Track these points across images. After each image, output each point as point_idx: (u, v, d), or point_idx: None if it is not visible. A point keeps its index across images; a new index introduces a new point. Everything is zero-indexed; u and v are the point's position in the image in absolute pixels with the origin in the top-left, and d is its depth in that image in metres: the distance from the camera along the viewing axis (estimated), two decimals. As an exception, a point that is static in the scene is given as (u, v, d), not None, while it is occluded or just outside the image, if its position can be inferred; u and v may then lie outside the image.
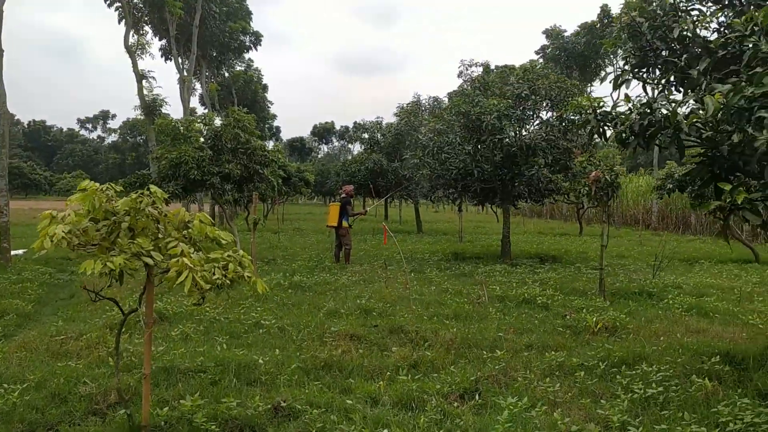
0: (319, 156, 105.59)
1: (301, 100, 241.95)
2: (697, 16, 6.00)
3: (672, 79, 6.04)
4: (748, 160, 4.85)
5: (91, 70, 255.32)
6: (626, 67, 6.43)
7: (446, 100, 25.56)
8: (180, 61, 35.81)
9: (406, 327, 7.66)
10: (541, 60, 40.69)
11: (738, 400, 4.96)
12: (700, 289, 11.03)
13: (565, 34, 44.02)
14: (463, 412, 4.96)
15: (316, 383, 5.62)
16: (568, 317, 8.43)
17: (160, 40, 37.70)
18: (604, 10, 39.89)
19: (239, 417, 4.75)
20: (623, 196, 33.44)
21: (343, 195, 15.27)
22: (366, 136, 29.70)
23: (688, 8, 6.08)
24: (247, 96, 53.61)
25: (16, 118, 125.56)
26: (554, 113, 14.75)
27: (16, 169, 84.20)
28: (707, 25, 5.85)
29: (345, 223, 14.70)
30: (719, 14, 5.95)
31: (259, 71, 56.84)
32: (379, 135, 28.58)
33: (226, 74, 49.70)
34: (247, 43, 44.90)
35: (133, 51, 30.60)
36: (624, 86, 6.35)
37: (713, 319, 8.56)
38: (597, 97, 5.87)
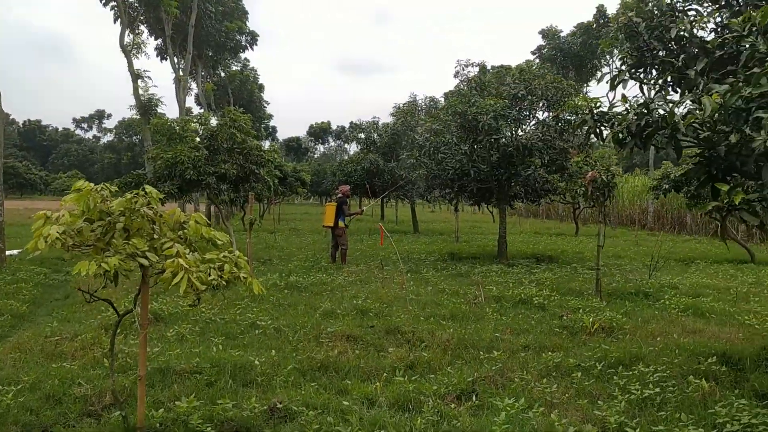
0: (316, 156, 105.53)
1: (298, 100, 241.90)
2: (695, 16, 5.99)
3: (669, 79, 6.02)
4: (746, 161, 4.84)
5: (86, 70, 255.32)
6: (623, 68, 6.42)
7: (443, 100, 25.56)
8: (176, 60, 35.75)
9: (402, 327, 7.64)
10: (537, 60, 40.76)
11: (735, 400, 4.96)
12: (697, 289, 11.04)
13: (562, 34, 44.09)
14: (460, 413, 4.94)
15: (312, 384, 5.60)
16: (564, 318, 8.42)
17: (155, 39, 37.64)
18: (600, 11, 40.00)
19: (235, 418, 4.73)
20: (619, 196, 33.45)
21: (340, 195, 15.25)
22: (362, 136, 29.63)
23: (685, 8, 6.07)
24: (243, 96, 53.61)
25: (11, 117, 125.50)
26: (550, 113, 14.77)
27: (11, 169, 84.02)
28: (704, 25, 5.84)
29: (341, 223, 14.68)
30: (716, 14, 5.94)
31: (255, 71, 56.93)
32: (375, 135, 28.53)
33: (222, 74, 49.70)
34: (243, 43, 44.90)
35: (129, 50, 30.54)
36: (621, 86, 6.33)
37: (709, 320, 8.56)
38: (594, 98, 5.86)
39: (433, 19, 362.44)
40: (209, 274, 4.08)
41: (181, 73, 34.58)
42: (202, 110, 38.18)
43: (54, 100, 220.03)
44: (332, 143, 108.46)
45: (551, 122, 14.58)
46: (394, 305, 9.14)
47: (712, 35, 5.94)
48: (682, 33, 5.79)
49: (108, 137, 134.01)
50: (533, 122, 15.21)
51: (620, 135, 5.45)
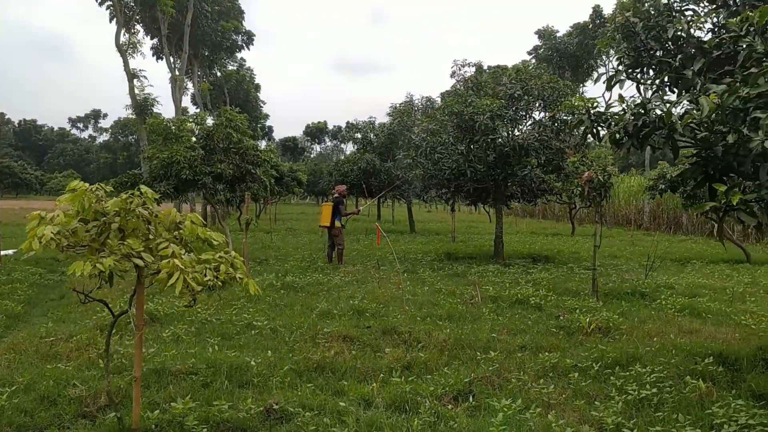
0: (312, 156, 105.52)
1: (294, 100, 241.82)
2: (692, 16, 5.99)
3: (666, 79, 6.02)
4: (743, 161, 4.84)
5: (82, 70, 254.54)
6: (620, 68, 6.42)
7: (439, 100, 25.56)
8: (172, 60, 35.66)
9: (399, 328, 7.62)
10: (533, 60, 40.80)
11: (732, 401, 4.96)
12: (693, 289, 11.05)
13: (558, 34, 44.14)
14: (457, 414, 4.93)
15: (308, 385, 5.58)
16: (561, 318, 8.42)
17: (151, 39, 37.57)
18: (596, 11, 40.05)
19: (231, 420, 4.71)
20: (615, 197, 33.53)
21: (336, 195, 15.22)
22: (359, 135, 29.65)
23: (683, 8, 6.06)
24: (239, 95, 53.53)
25: (6, 117, 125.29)
26: (547, 113, 14.77)
27: (6, 169, 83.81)
28: (701, 25, 5.84)
29: (338, 223, 14.66)
30: (714, 14, 5.94)
31: (252, 71, 56.85)
32: (371, 135, 28.54)
33: (218, 73, 49.60)
34: (239, 43, 44.81)
35: (125, 50, 30.45)
36: (617, 87, 6.34)
37: (706, 320, 8.57)
38: (591, 98, 5.85)
39: (429, 18, 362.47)
40: (205, 275, 4.05)
41: (177, 73, 34.50)
42: (198, 110, 38.14)
43: (50, 100, 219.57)
44: (329, 143, 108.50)
45: (548, 122, 14.58)
46: (390, 305, 9.13)
47: (710, 35, 5.94)
48: (679, 33, 5.78)
49: (104, 137, 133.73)
50: (530, 122, 15.21)
51: (617, 135, 5.44)
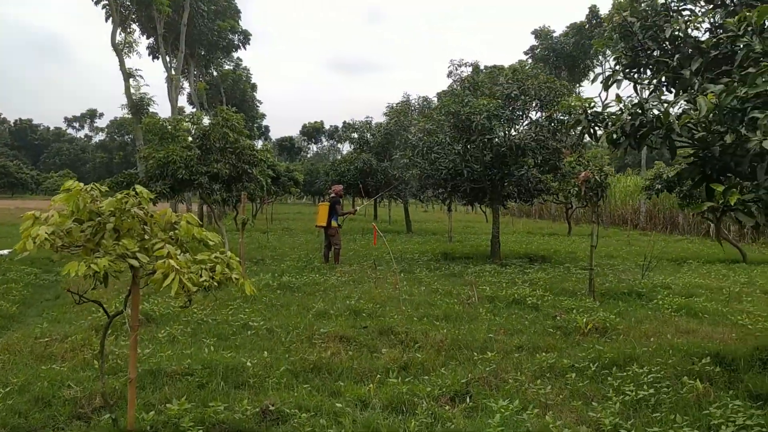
0: (309, 155, 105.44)
1: (291, 99, 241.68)
2: (689, 16, 5.98)
3: (663, 79, 6.02)
4: (740, 161, 4.83)
5: (78, 69, 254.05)
6: (617, 67, 6.41)
7: (436, 100, 25.55)
8: (168, 59, 35.60)
9: (396, 328, 7.60)
10: (530, 60, 40.82)
11: (730, 401, 4.95)
12: (689, 289, 11.05)
13: (554, 34, 44.20)
14: (454, 415, 4.91)
15: (305, 386, 5.55)
16: (558, 318, 8.41)
17: (147, 38, 37.46)
18: (593, 11, 40.10)
19: (227, 421, 4.68)
20: (611, 196, 33.55)
21: (333, 194, 15.21)
22: (355, 135, 29.63)
23: (680, 8, 6.06)
24: (235, 95, 53.44)
25: (2, 116, 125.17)
26: (543, 113, 14.77)
27: (2, 168, 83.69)
28: (699, 25, 5.84)
29: (334, 223, 14.63)
30: (711, 14, 5.93)
31: (248, 70, 56.79)
32: (368, 135, 28.53)
33: (215, 73, 49.49)
34: (235, 42, 44.74)
35: (120, 49, 30.32)
36: (614, 86, 6.33)
37: (702, 320, 8.57)
38: (588, 98, 5.84)
39: (426, 17, 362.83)
40: (201, 275, 4.03)
41: (173, 72, 34.43)
42: (194, 109, 38.08)
43: (46, 99, 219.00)
44: (325, 143, 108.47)
45: (544, 122, 14.59)
46: (387, 305, 9.11)
47: (707, 35, 5.93)
48: (676, 33, 5.78)
49: (100, 136, 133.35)
50: (526, 122, 15.22)
51: (614, 135, 5.43)
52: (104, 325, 5.11)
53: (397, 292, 9.82)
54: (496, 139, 14.35)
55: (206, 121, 16.29)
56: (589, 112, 5.71)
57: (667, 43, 5.93)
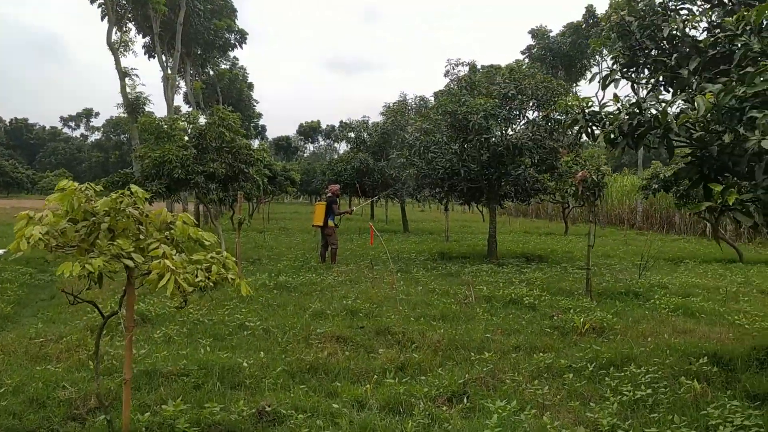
0: (305, 155, 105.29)
1: (287, 98, 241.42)
2: (687, 15, 5.97)
3: (661, 78, 6.00)
4: (738, 161, 4.82)
5: (73, 68, 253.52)
6: (615, 67, 6.39)
7: (433, 99, 25.54)
8: (164, 58, 35.52)
9: (392, 328, 7.58)
10: (527, 60, 40.86)
11: (727, 402, 4.94)
12: (686, 288, 11.05)
13: (551, 34, 44.25)
14: (451, 416, 4.89)
15: (301, 387, 5.53)
16: (555, 318, 8.40)
17: (143, 37, 37.43)
18: (590, 11, 40.16)
19: (223, 422, 4.65)
20: (608, 196, 33.61)
21: (329, 194, 15.17)
22: (352, 135, 29.57)
23: (678, 7, 6.04)
24: (232, 94, 53.42)
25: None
26: (540, 113, 14.76)
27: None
28: (697, 24, 5.82)
29: (331, 223, 14.60)
30: (709, 13, 5.92)
31: (244, 69, 56.82)
32: (365, 134, 28.49)
33: (211, 72, 49.47)
34: (231, 41, 44.70)
35: (116, 48, 30.27)
36: (612, 86, 6.31)
37: (700, 320, 8.57)
38: (585, 97, 5.82)
39: (423, 16, 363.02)
40: (196, 276, 3.99)
41: (169, 72, 34.36)
42: (190, 109, 37.98)
43: (41, 99, 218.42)
44: (322, 142, 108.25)
45: (541, 122, 14.58)
46: (384, 305, 9.08)
47: (705, 34, 5.92)
48: (674, 32, 5.77)
49: (96, 136, 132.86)
50: (523, 122, 15.21)
51: (612, 135, 5.42)
52: (99, 326, 5.07)
53: (394, 292, 9.80)
54: (493, 139, 14.33)
55: (202, 120, 16.24)
56: (586, 111, 5.69)
57: (665, 42, 5.91)
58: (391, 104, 27.40)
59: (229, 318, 8.11)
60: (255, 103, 62.31)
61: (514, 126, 15.11)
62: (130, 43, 33.06)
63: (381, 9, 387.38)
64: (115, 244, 3.91)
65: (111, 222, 3.97)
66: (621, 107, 5.38)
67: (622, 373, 5.81)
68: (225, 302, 9.05)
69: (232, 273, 4.20)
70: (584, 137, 6.03)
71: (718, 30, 5.60)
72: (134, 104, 29.30)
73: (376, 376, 5.82)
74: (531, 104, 14.91)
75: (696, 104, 4.52)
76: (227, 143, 15.11)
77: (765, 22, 4.93)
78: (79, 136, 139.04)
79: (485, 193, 15.78)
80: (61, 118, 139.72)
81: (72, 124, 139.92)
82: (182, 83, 42.90)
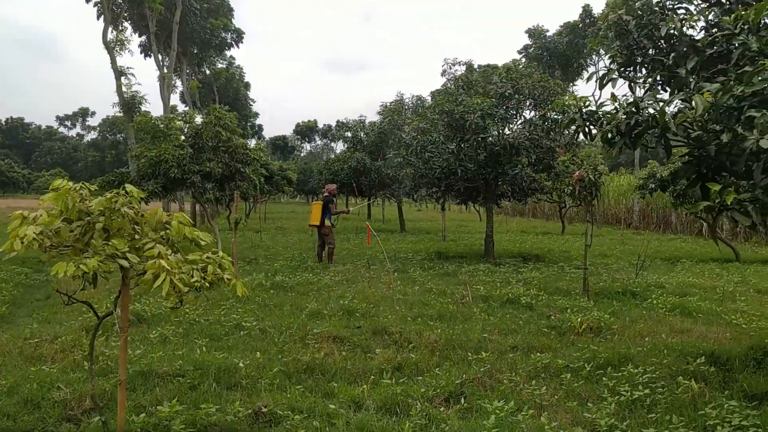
0: (302, 155, 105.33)
1: (286, 98, 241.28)
2: (684, 14, 5.96)
3: (659, 78, 5.99)
4: (736, 160, 4.80)
5: (69, 67, 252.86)
6: (612, 66, 6.37)
7: (430, 98, 25.52)
8: (160, 57, 35.44)
9: (389, 328, 7.55)
10: (523, 59, 40.89)
11: (725, 402, 4.93)
12: (683, 288, 11.05)
13: (548, 33, 44.28)
14: (448, 416, 4.87)
15: (298, 387, 5.50)
16: (552, 317, 8.38)
17: (139, 36, 37.36)
18: (586, 10, 40.20)
19: (219, 423, 4.63)
20: (605, 195, 33.65)
21: (326, 194, 15.14)
22: (349, 134, 29.55)
23: (675, 6, 6.03)
24: (228, 94, 53.35)
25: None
26: (537, 112, 14.76)
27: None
28: (694, 23, 5.81)
29: (328, 222, 14.58)
30: (707, 12, 5.91)
31: (241, 69, 56.73)
32: (362, 134, 28.46)
33: (207, 71, 49.39)
34: (228, 41, 44.62)
35: (112, 47, 30.13)
36: (610, 85, 6.29)
37: (697, 319, 8.56)
38: (583, 96, 5.80)
39: (422, 16, 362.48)
40: (192, 276, 3.97)
41: (165, 71, 34.26)
42: (186, 108, 37.90)
43: (37, 98, 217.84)
44: (319, 142, 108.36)
45: (538, 121, 14.58)
46: (381, 305, 9.06)
47: (703, 33, 5.91)
48: (672, 31, 5.75)
49: (92, 135, 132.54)
50: (520, 121, 15.20)
51: (609, 134, 5.40)
52: (94, 326, 5.04)
53: (391, 291, 9.78)
54: (490, 138, 14.32)
55: (199, 119, 16.22)
56: (583, 111, 5.67)
57: (663, 41, 5.90)
58: (388, 104, 27.38)
59: (226, 318, 8.08)
60: (252, 103, 62.28)
61: (511, 125, 15.11)
62: (126, 42, 32.88)
63: (381, 9, 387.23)
64: (110, 244, 3.87)
65: (106, 222, 3.93)
66: (618, 107, 5.36)
67: (620, 373, 5.80)
68: (221, 302, 9.02)
69: (228, 273, 4.17)
70: (581, 137, 6.01)
71: (716, 29, 5.59)
72: (130, 103, 29.18)
73: (373, 377, 5.80)
74: (528, 104, 14.91)
75: (694, 103, 4.51)
76: (224, 143, 15.09)
77: (763, 21, 4.92)
78: (75, 135, 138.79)
79: (482, 193, 15.77)
80: (57, 117, 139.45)
81: (68, 123, 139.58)
82: (178, 82, 42.78)
